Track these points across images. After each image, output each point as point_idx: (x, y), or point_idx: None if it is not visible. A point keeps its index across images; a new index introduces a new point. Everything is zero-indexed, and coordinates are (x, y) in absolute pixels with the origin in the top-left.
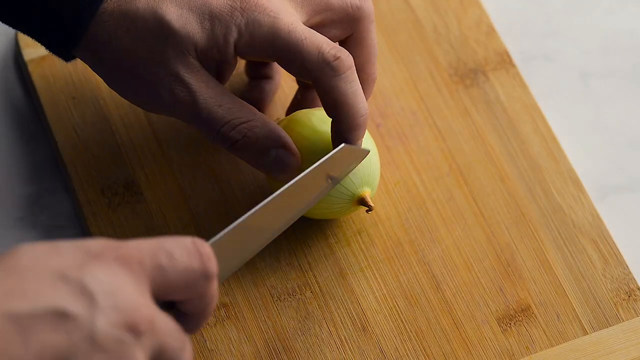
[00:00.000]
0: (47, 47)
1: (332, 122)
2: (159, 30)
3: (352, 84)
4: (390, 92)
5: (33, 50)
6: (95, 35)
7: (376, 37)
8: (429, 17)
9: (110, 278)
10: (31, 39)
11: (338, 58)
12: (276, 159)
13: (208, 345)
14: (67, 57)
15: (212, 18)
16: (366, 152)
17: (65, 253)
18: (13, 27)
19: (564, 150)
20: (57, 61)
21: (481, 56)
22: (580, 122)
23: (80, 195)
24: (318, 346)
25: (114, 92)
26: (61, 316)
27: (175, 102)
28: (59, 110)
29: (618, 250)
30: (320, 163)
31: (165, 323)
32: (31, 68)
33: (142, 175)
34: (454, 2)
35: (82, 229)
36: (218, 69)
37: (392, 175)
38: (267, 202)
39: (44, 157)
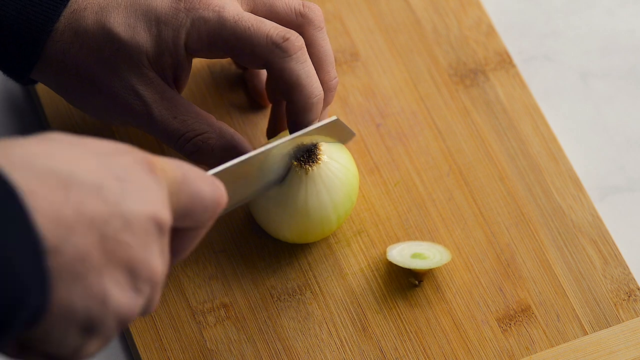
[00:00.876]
0: (5, 72)
1: (286, 105)
2: (110, 43)
3: (303, 64)
4: (390, 92)
5: None
6: (50, 55)
7: (328, 42)
8: (429, 17)
9: (138, 173)
10: None
11: (287, 39)
12: None
13: (208, 346)
14: (24, 81)
15: (158, 23)
16: (353, 135)
17: (99, 142)
18: None
19: (564, 150)
20: None
21: (481, 56)
22: (580, 122)
23: None
24: (318, 346)
25: None
26: (99, 188)
27: (132, 115)
28: (59, 111)
29: (618, 250)
30: (312, 129)
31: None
32: None
33: None
34: (453, 2)
35: None
36: (174, 74)
37: (392, 175)
38: (266, 149)
39: None
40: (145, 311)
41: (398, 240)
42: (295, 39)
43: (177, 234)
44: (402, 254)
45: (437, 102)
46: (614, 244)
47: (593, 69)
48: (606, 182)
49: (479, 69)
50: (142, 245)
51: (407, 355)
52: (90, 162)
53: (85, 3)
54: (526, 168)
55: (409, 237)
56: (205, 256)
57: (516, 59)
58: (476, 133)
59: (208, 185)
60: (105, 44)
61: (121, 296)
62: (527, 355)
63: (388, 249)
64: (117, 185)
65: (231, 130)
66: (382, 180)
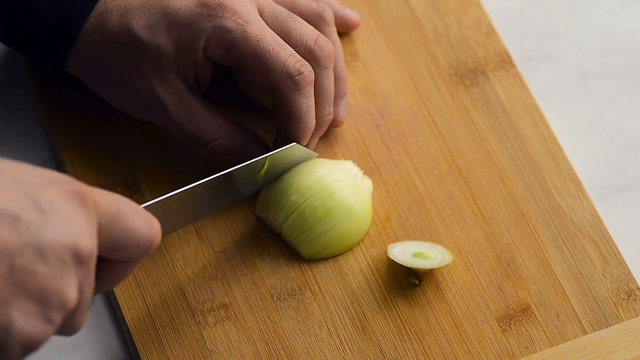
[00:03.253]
0: (40, 62)
1: (279, 128)
2: (132, 45)
3: (308, 98)
4: (390, 92)
5: None
6: (81, 52)
7: (331, 81)
8: (429, 17)
9: (65, 204)
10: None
11: (301, 73)
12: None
13: (208, 346)
14: (58, 72)
15: (179, 26)
16: (314, 155)
17: (31, 172)
18: (8, 46)
19: (564, 150)
20: None
21: (481, 56)
22: (580, 122)
23: None
24: (318, 346)
25: None
26: (16, 219)
27: (151, 114)
28: (58, 110)
29: (618, 250)
30: (268, 155)
31: (94, 267)
32: (30, 68)
33: (141, 176)
34: (453, 2)
35: None
36: (194, 73)
37: (392, 175)
38: (209, 179)
39: (43, 157)
40: (67, 333)
41: (398, 240)
42: (308, 74)
43: (108, 265)
44: (404, 252)
45: (437, 102)
46: (614, 243)
47: (593, 69)
48: (606, 182)
49: (479, 69)
50: (55, 275)
51: (406, 355)
52: (12, 192)
53: (112, 5)
54: (526, 168)
55: (409, 237)
56: (205, 256)
57: (516, 59)
58: (476, 133)
59: (143, 222)
60: (129, 45)
61: (27, 325)
62: (526, 355)
63: (389, 248)
64: (37, 216)
65: (244, 132)
66: (382, 180)
